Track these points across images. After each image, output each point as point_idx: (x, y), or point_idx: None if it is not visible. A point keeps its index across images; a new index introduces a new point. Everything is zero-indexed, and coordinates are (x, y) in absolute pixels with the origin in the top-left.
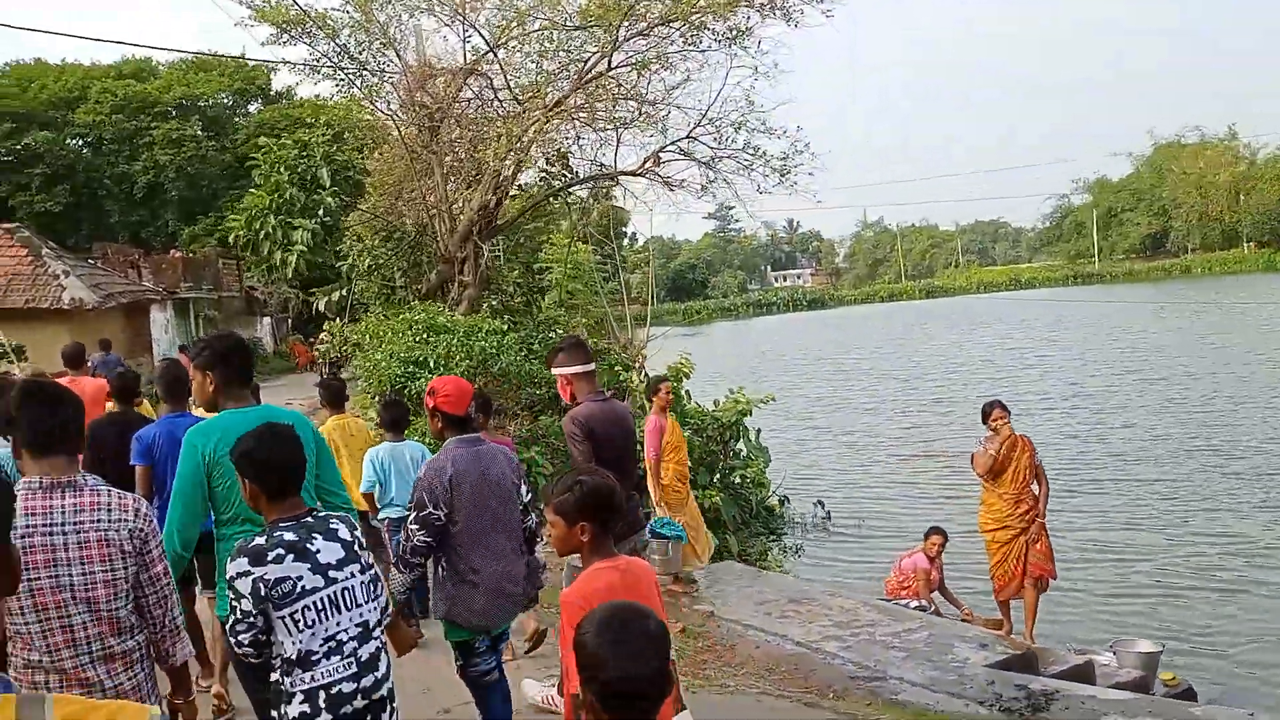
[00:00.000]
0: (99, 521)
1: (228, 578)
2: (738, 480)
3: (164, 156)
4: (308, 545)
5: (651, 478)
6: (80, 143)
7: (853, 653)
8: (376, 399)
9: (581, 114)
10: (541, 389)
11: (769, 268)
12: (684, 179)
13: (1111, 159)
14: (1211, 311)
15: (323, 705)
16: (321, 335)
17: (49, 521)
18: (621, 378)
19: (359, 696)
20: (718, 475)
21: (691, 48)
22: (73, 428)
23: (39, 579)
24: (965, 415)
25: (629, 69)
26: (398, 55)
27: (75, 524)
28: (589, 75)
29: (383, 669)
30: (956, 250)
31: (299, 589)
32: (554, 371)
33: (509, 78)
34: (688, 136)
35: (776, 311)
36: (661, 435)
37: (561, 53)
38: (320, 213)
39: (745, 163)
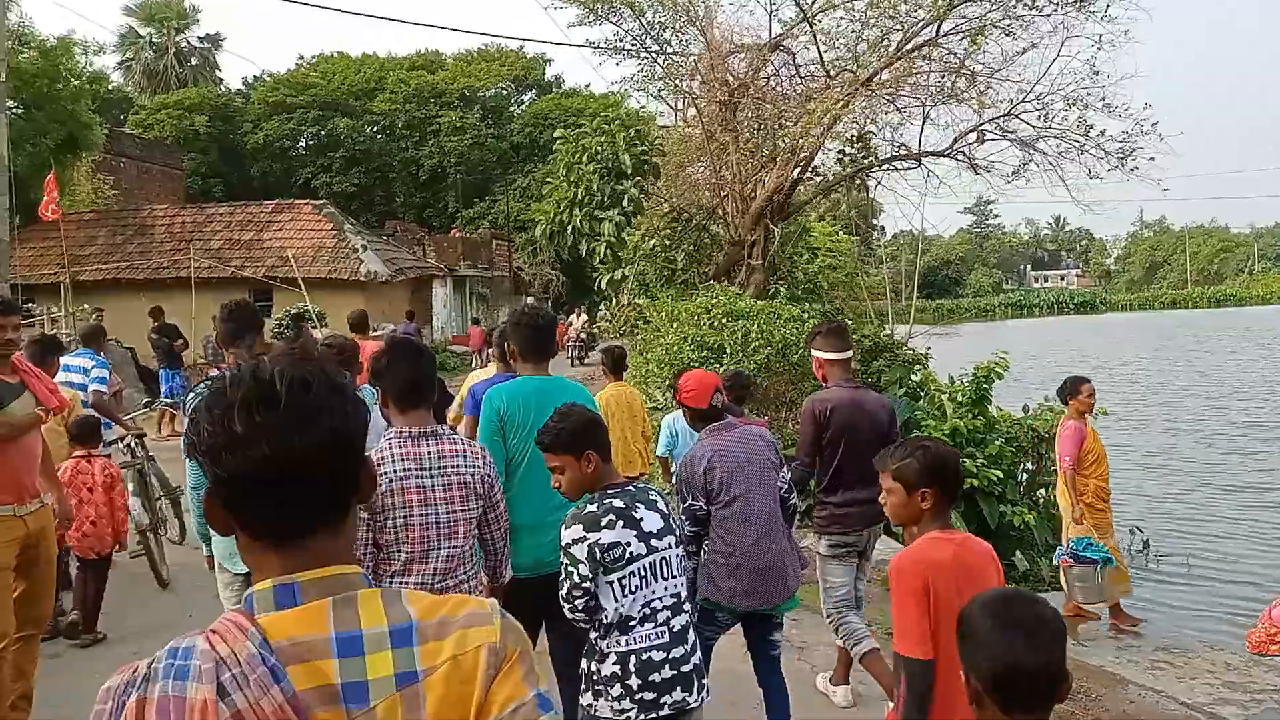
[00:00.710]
0: (458, 466)
1: (563, 544)
2: (1040, 499)
3: (448, 143)
4: (633, 512)
5: (1066, 489)
6: (375, 129)
7: None
8: (668, 383)
9: (890, 89)
10: None
11: (1029, 267)
12: (992, 161)
13: None
14: None
15: (633, 669)
16: (571, 318)
17: (420, 466)
18: (916, 375)
19: (667, 666)
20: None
21: (1035, 12)
22: (429, 383)
23: (412, 516)
24: None
25: (960, 36)
26: (701, 32)
27: (440, 468)
28: (910, 44)
29: (691, 643)
30: (1251, 255)
31: (627, 554)
32: (811, 352)
33: (821, 49)
34: (1008, 114)
35: (1038, 314)
36: (1082, 442)
37: (886, 19)
38: (624, 202)
39: (1075, 143)
